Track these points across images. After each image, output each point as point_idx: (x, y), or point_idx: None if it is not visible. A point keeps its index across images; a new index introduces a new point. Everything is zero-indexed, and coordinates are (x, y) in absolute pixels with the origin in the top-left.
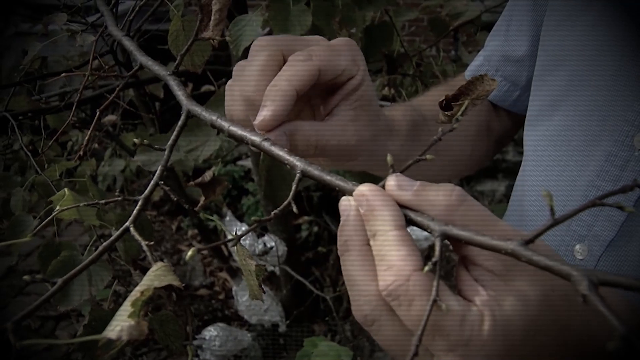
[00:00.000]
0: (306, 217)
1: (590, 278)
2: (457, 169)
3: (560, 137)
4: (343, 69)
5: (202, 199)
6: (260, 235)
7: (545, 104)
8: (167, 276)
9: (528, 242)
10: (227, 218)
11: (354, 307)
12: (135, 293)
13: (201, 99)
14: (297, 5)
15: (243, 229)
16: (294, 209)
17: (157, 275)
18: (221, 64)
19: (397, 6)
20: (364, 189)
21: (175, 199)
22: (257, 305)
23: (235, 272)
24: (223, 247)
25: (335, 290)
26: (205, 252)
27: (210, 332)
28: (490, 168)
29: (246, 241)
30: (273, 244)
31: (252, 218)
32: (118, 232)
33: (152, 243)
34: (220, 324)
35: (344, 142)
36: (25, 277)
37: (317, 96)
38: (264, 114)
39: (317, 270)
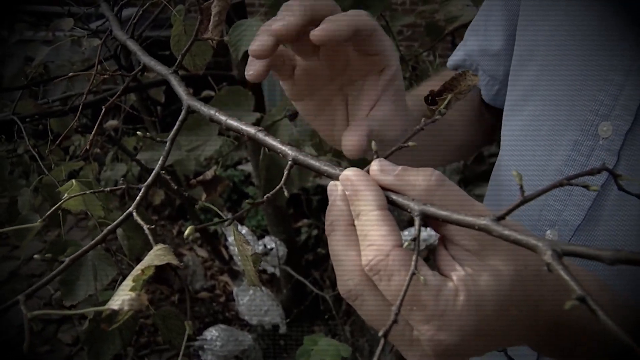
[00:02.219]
0: (306, 220)
1: (554, 248)
2: (449, 158)
3: (531, 128)
4: (384, 49)
5: (204, 196)
6: (260, 237)
7: (519, 96)
8: (166, 256)
9: (499, 219)
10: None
11: (339, 283)
12: (136, 271)
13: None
14: None
15: (243, 231)
16: (286, 193)
17: (157, 255)
18: (221, 69)
19: (394, 11)
20: (349, 173)
21: (175, 187)
22: (257, 306)
23: (236, 275)
24: (224, 250)
25: (335, 290)
26: (206, 255)
27: (212, 333)
28: (488, 172)
29: None
30: (273, 245)
31: (247, 201)
32: (122, 217)
33: (153, 227)
34: (222, 325)
35: (391, 134)
36: (36, 256)
37: (348, 85)
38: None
39: (317, 272)
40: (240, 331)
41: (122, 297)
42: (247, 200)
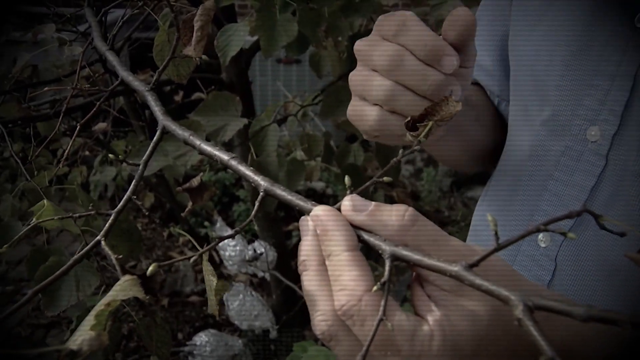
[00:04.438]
0: (296, 224)
1: (526, 302)
2: (498, 144)
3: (529, 136)
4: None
5: (190, 204)
6: (250, 241)
7: (519, 110)
8: (132, 289)
9: (472, 266)
10: (218, 225)
11: (314, 323)
12: (100, 305)
13: (192, 106)
14: (283, 14)
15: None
16: (255, 227)
17: (122, 288)
18: (214, 71)
19: (384, 14)
20: (319, 210)
21: (147, 213)
22: (247, 311)
23: (226, 279)
24: (214, 253)
25: None
26: (196, 258)
27: (201, 338)
28: (480, 174)
29: (237, 247)
30: (263, 250)
31: (215, 236)
32: (91, 244)
33: (121, 257)
34: (211, 330)
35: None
36: None
37: None
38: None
39: None
40: (230, 336)
41: (82, 337)
42: (214, 236)
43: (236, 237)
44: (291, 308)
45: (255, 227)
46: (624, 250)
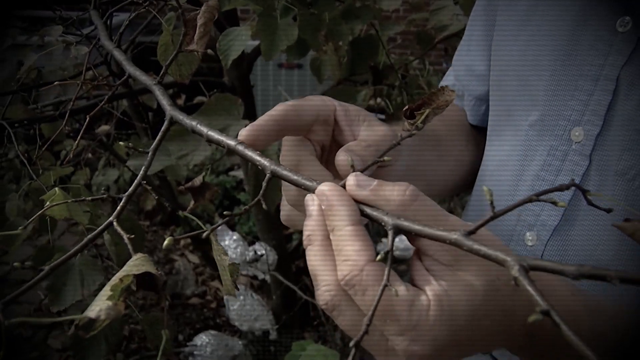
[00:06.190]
0: None
1: (521, 263)
2: (464, 176)
3: (513, 137)
4: (316, 111)
5: (192, 203)
6: (251, 243)
7: (501, 112)
8: (145, 265)
9: (470, 233)
10: (219, 228)
11: (317, 295)
12: (115, 279)
13: (194, 110)
14: (284, 19)
15: (234, 237)
16: (264, 205)
17: (135, 264)
18: (216, 75)
19: (386, 19)
20: (324, 187)
21: (156, 197)
22: (248, 312)
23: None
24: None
25: None
26: (197, 261)
27: (202, 339)
28: None
29: (237, 249)
30: (264, 251)
31: (225, 212)
32: (102, 226)
33: (132, 236)
34: (212, 331)
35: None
36: (16, 264)
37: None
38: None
39: (307, 278)
40: (230, 337)
41: (100, 306)
42: (225, 212)
43: (237, 239)
44: (291, 309)
45: (266, 216)
46: (609, 247)
